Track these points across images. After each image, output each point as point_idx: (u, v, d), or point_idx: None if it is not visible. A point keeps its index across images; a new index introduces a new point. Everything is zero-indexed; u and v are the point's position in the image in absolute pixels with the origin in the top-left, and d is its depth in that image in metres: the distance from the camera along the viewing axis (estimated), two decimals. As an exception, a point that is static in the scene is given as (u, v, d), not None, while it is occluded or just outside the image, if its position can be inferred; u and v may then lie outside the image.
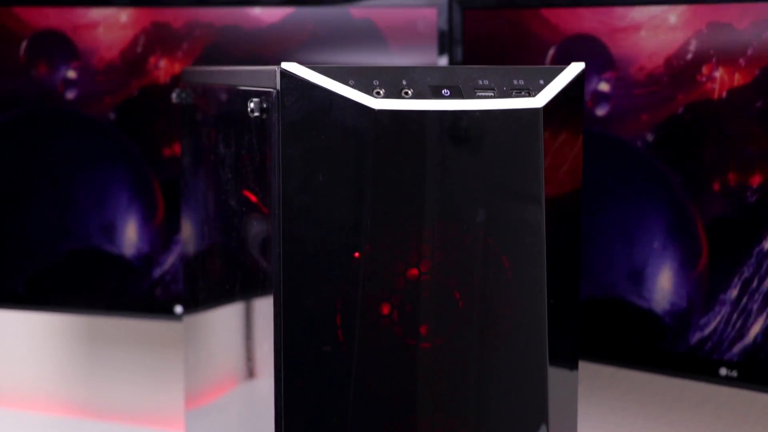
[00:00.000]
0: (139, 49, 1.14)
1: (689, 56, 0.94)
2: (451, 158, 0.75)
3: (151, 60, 1.13)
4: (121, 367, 1.36)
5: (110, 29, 1.15)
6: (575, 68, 0.78)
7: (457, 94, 0.76)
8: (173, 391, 1.29)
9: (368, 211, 0.74)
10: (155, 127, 1.15)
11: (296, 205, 0.74)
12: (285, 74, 0.73)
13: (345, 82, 0.74)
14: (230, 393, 0.90)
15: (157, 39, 1.13)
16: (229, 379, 0.91)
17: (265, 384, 0.78)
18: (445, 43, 1.07)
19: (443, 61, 1.07)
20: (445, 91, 0.76)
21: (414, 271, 0.76)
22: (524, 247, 0.78)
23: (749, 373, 0.92)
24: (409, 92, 0.75)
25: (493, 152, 0.76)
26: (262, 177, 0.78)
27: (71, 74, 1.16)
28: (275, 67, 0.74)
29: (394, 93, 0.75)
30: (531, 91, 0.77)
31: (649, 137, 0.97)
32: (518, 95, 0.77)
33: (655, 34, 0.95)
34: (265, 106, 0.76)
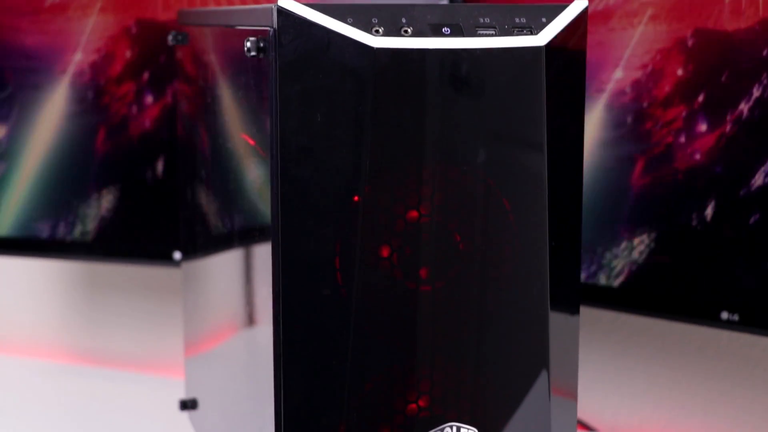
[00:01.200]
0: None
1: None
2: (452, 98, 0.74)
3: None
4: (120, 314, 1.36)
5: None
6: (578, 5, 0.77)
7: (457, 32, 0.74)
8: (173, 337, 1.29)
9: (367, 153, 0.73)
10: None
11: (294, 147, 0.73)
12: (282, 12, 0.72)
13: (343, 19, 0.73)
14: (230, 339, 0.90)
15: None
16: (228, 325, 0.90)
17: (264, 328, 0.78)
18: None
19: (443, 1, 1.05)
20: (445, 29, 0.74)
21: (414, 213, 0.75)
22: (525, 189, 0.77)
23: (751, 317, 0.91)
24: (409, 30, 0.74)
25: (494, 91, 0.75)
26: (260, 119, 0.77)
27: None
28: (272, 5, 0.73)
29: (394, 31, 0.73)
30: (533, 29, 0.75)
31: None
32: (520, 33, 0.75)
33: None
34: (262, 45, 0.75)
